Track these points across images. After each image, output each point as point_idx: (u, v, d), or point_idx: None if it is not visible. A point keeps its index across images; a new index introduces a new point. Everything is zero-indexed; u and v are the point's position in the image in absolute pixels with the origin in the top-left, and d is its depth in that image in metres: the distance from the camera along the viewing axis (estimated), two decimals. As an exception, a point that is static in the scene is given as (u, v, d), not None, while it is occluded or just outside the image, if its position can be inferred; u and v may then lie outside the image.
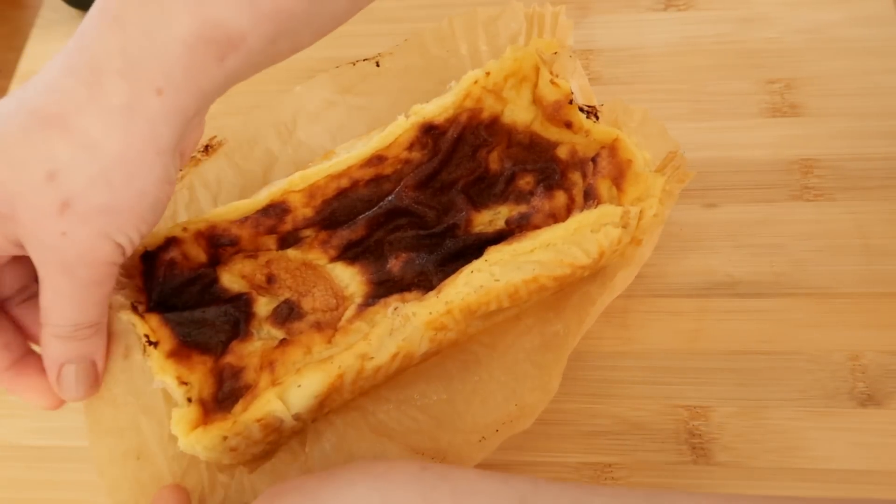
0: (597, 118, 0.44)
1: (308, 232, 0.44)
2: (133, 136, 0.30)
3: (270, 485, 0.36)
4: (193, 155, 0.47)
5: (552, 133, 0.45)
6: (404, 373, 0.42)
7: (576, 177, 0.44)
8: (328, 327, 0.40)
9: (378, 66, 0.50)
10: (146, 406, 0.39)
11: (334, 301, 0.42)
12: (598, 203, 0.41)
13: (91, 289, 0.33)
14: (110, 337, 0.38)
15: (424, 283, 0.42)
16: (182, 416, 0.37)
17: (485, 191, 0.45)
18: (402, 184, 0.44)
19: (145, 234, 0.33)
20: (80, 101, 0.29)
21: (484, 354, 0.42)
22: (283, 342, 0.40)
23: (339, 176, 0.44)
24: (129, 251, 0.33)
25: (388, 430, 0.40)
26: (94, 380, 0.37)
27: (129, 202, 0.31)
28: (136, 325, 0.40)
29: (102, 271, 0.33)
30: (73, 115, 0.29)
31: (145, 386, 0.39)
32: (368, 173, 0.44)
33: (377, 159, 0.44)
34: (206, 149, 0.48)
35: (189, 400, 0.38)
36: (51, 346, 0.35)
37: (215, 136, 0.48)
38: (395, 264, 0.42)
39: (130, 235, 0.32)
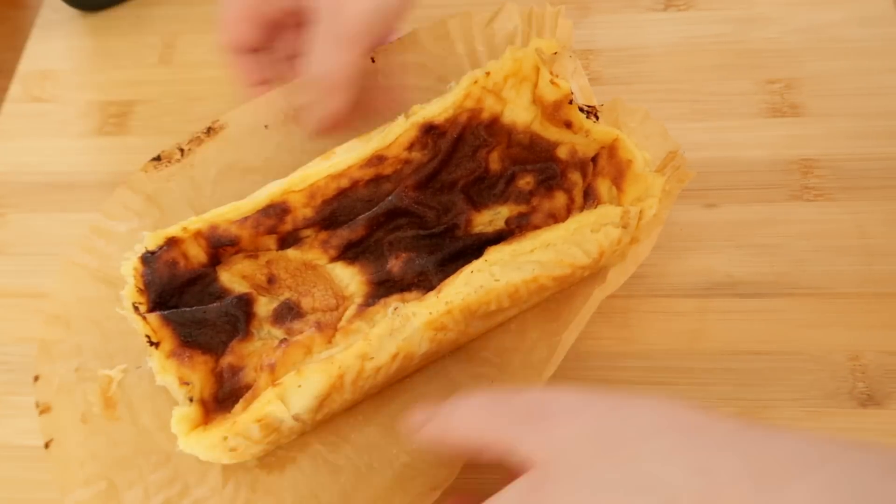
0: (597, 118, 0.44)
1: (308, 232, 0.44)
2: None
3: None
4: (197, 136, 0.49)
5: (552, 133, 0.45)
6: None
7: (576, 177, 0.44)
8: (328, 327, 0.40)
9: (373, 61, 0.50)
10: (116, 459, 0.41)
11: (334, 301, 0.42)
12: (598, 203, 0.41)
13: (358, 43, 0.42)
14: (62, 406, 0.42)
15: (424, 283, 0.42)
16: (183, 416, 0.37)
17: (485, 191, 0.45)
18: (402, 184, 0.44)
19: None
20: None
21: (496, 377, 0.42)
22: (283, 342, 0.40)
23: (339, 176, 0.44)
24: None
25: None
26: (334, 123, 0.44)
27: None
28: (138, 326, 0.40)
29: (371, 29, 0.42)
30: None
31: (106, 443, 0.41)
32: (368, 173, 0.44)
33: (377, 159, 0.44)
34: (209, 130, 0.49)
35: (190, 399, 0.38)
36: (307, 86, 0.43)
37: (217, 120, 0.49)
38: (395, 264, 0.42)
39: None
